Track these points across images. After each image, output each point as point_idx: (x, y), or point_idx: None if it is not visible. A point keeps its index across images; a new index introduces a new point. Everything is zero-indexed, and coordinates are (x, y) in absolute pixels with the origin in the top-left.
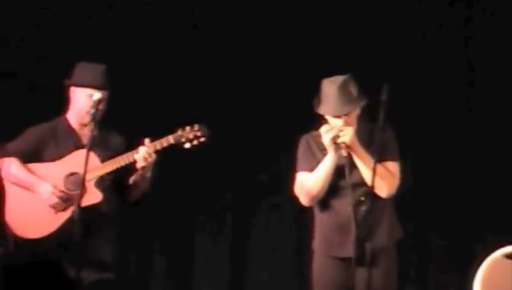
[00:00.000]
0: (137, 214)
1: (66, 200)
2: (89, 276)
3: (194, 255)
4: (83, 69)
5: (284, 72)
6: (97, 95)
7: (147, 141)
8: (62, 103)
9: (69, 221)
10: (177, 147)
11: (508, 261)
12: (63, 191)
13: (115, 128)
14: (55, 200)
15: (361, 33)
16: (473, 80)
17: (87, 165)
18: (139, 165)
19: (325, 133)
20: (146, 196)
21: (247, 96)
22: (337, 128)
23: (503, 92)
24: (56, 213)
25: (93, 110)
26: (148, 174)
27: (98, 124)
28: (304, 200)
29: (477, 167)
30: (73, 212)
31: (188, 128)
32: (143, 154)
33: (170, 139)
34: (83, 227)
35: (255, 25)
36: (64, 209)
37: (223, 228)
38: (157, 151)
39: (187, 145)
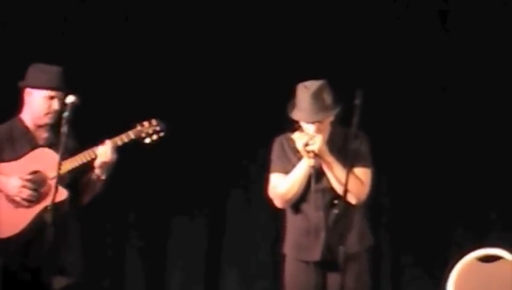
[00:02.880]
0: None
1: (37, 192)
2: (55, 281)
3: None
4: (39, 70)
5: (258, 74)
6: (71, 98)
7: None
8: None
9: (36, 220)
10: (137, 141)
11: (481, 264)
12: (31, 181)
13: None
14: (27, 192)
15: (337, 35)
16: (446, 85)
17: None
18: (100, 160)
19: (298, 139)
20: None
21: (223, 95)
22: (308, 136)
23: (477, 96)
24: (25, 210)
25: (67, 114)
26: (105, 175)
27: (52, 126)
28: (278, 203)
29: (449, 170)
30: (46, 211)
31: (146, 123)
32: (105, 148)
33: (130, 134)
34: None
35: (232, 26)
36: (29, 207)
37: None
38: (118, 147)
39: (147, 140)
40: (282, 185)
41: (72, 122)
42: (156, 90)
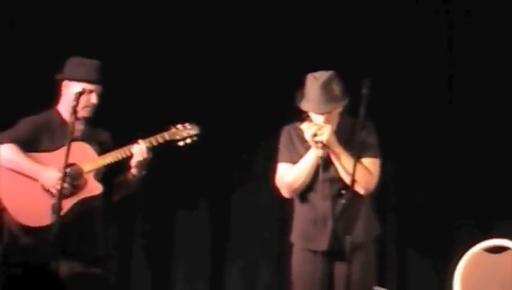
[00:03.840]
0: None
1: (72, 185)
2: (78, 269)
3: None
4: (78, 63)
5: (264, 67)
6: (77, 88)
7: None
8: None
9: (69, 212)
10: (171, 143)
11: (488, 255)
12: (68, 175)
13: (104, 125)
14: (64, 185)
15: (344, 27)
16: (452, 76)
17: (68, 156)
18: (136, 159)
19: (307, 130)
20: None
21: (227, 88)
22: (316, 126)
23: (483, 89)
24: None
25: (74, 103)
26: (141, 174)
27: (86, 119)
28: (285, 192)
29: (456, 162)
30: (53, 207)
31: (180, 126)
32: (141, 147)
33: (165, 135)
34: (77, 220)
35: (236, 20)
36: (64, 198)
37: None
38: (153, 147)
39: (181, 143)
40: (289, 175)
41: (96, 115)
42: (159, 87)
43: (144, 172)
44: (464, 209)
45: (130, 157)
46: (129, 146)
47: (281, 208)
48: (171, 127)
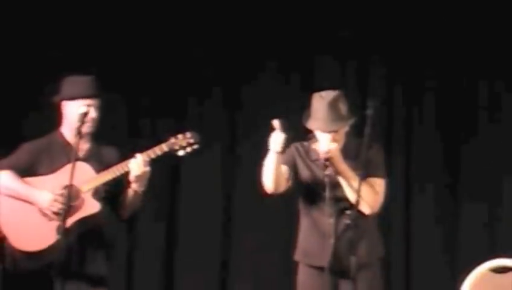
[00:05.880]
0: None
1: (69, 206)
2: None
3: None
4: (72, 82)
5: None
6: (83, 108)
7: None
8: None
9: (67, 233)
10: (170, 154)
11: (494, 274)
12: (63, 195)
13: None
14: (58, 206)
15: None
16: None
17: (73, 177)
18: (133, 174)
19: (274, 140)
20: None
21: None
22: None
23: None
24: (57, 223)
25: (79, 124)
26: (141, 189)
27: (91, 137)
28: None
29: None
30: (58, 229)
31: (180, 136)
32: (137, 161)
33: (163, 147)
34: (79, 240)
35: (250, 24)
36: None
37: None
38: (151, 160)
39: (181, 153)
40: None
41: (98, 130)
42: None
43: (144, 187)
44: (468, 222)
45: (128, 172)
46: (126, 161)
47: (290, 220)
48: (170, 137)
